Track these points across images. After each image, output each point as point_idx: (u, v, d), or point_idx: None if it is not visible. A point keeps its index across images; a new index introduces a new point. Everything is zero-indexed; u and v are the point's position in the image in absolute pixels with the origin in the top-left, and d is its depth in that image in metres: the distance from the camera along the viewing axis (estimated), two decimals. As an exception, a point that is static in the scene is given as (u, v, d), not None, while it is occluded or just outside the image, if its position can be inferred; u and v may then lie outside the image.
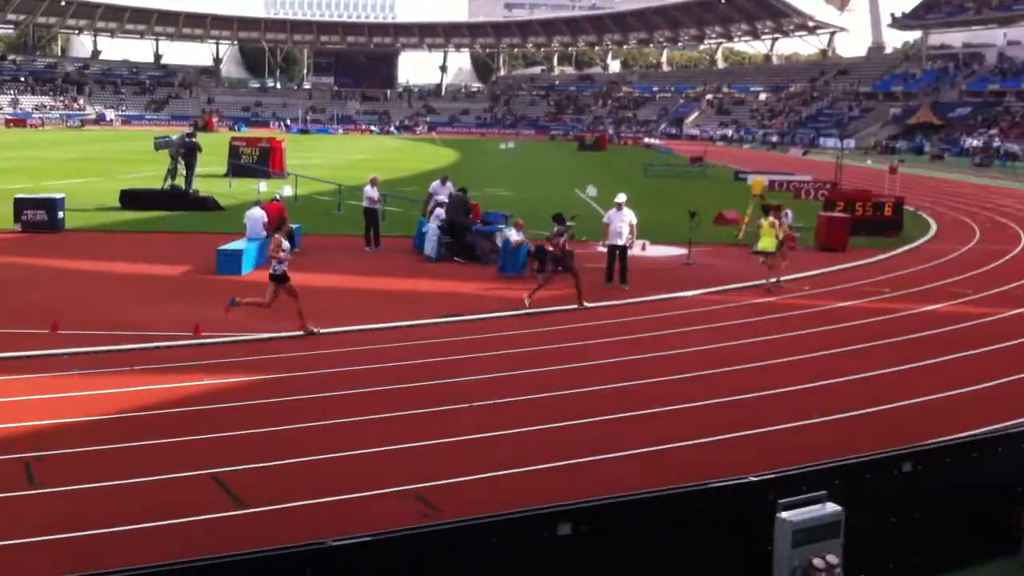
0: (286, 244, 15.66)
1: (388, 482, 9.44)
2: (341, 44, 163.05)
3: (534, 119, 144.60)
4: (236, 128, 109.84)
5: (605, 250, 20.94)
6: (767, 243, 20.69)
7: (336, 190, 34.42)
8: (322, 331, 15.61)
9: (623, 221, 20.47)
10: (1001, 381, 13.69)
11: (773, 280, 20.78)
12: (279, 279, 15.38)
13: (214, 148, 47.40)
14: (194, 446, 10.34)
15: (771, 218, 20.95)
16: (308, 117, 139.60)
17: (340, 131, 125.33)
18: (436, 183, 26.41)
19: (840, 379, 13.66)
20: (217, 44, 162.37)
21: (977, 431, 9.97)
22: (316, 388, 12.55)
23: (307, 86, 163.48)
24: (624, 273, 20.39)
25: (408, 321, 16.73)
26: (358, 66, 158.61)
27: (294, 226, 24.22)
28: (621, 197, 20.99)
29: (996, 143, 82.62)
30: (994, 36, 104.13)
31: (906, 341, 16.14)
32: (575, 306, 18.15)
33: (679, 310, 18.56)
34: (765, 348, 15.47)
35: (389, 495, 9.19)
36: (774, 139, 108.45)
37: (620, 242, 20.37)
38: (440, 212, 23.80)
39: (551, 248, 18.60)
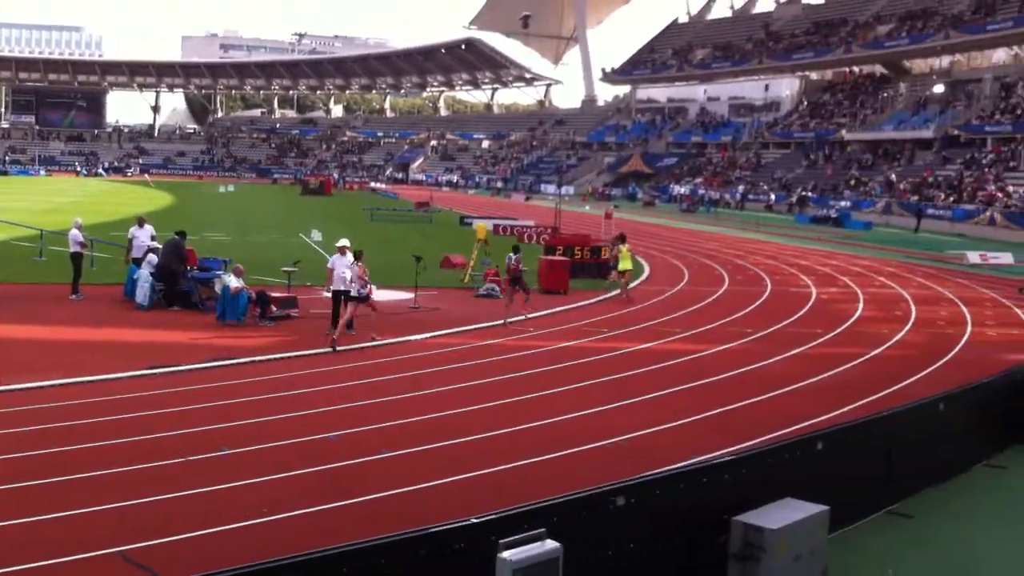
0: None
1: (94, 544, 8.74)
2: (43, 81, 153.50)
3: (255, 162, 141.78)
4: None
5: (330, 296, 20.53)
6: (627, 263, 26.93)
7: (38, 235, 32.08)
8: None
9: (346, 266, 20.15)
10: (707, 414, 14.47)
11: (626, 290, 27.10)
12: (363, 299, 19.42)
13: None
14: None
15: (625, 245, 27.23)
16: (7, 158, 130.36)
17: (43, 173, 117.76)
18: (134, 227, 24.67)
19: (563, 416, 13.98)
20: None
21: (686, 463, 10.41)
22: (10, 448, 11.49)
23: (5, 125, 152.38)
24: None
25: (113, 374, 15.67)
26: (62, 105, 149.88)
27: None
28: (343, 241, 20.66)
29: (700, 191, 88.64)
30: (695, 92, 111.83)
31: (623, 378, 16.80)
32: (523, 316, 22.35)
33: (405, 354, 18.46)
34: (490, 389, 15.62)
35: (95, 558, 8.53)
36: (498, 185, 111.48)
37: (343, 287, 20.02)
38: (153, 258, 22.63)
39: (510, 269, 22.96)
